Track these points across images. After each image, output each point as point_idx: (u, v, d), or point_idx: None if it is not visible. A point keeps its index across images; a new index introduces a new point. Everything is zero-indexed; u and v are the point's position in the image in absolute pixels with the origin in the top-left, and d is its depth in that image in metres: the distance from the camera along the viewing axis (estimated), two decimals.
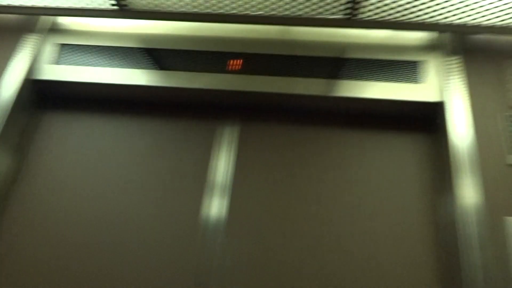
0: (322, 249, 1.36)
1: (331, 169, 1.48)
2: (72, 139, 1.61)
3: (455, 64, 1.45)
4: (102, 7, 1.52)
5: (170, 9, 1.50)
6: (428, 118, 1.51)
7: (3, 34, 1.66)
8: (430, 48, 1.51)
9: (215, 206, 1.44)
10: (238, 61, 1.54)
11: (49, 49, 1.63)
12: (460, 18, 1.39)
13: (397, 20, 1.44)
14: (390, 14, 1.41)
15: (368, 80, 1.47)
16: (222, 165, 1.51)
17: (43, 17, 1.67)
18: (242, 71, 1.51)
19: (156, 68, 1.55)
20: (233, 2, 1.43)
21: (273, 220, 1.41)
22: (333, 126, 1.57)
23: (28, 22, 1.68)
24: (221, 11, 1.47)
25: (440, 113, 1.45)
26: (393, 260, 1.33)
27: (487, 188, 1.26)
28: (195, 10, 1.48)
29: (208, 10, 1.48)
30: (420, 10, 1.38)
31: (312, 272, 1.33)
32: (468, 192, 1.25)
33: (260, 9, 1.45)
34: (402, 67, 1.48)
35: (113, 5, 1.50)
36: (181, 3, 1.46)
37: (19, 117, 1.54)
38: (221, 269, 1.35)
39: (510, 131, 1.34)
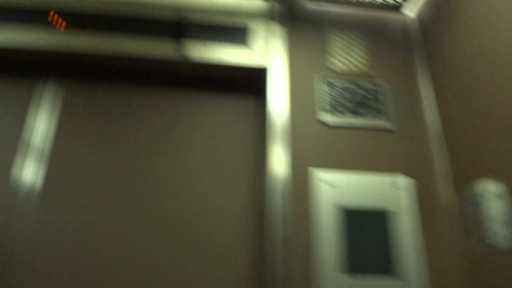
0: (147, 216, 1.35)
1: (159, 133, 1.47)
2: None
3: (280, 31, 1.51)
4: None
5: None
6: (254, 83, 1.57)
7: None
8: (258, 14, 1.55)
9: (29, 170, 1.35)
10: (62, 18, 1.42)
11: None
12: None
13: None
14: None
15: (201, 42, 1.46)
16: (41, 127, 1.41)
17: None
18: (67, 29, 1.40)
19: None
20: None
21: (97, 190, 1.36)
22: (163, 88, 1.54)
23: None
24: None
25: (263, 78, 1.51)
26: (216, 224, 1.37)
27: (296, 144, 1.36)
28: None
29: None
30: None
31: (134, 241, 1.32)
32: (280, 150, 1.33)
33: None
34: (233, 32, 1.50)
35: None
36: None
37: None
38: (31, 239, 1.28)
39: (323, 91, 1.46)
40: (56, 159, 1.39)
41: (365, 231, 1.23)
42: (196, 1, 1.53)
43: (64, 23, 1.42)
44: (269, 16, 1.55)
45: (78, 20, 1.44)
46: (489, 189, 1.12)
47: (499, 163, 1.10)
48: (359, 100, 1.45)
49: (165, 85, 1.55)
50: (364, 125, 1.42)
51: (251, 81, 1.57)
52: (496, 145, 1.11)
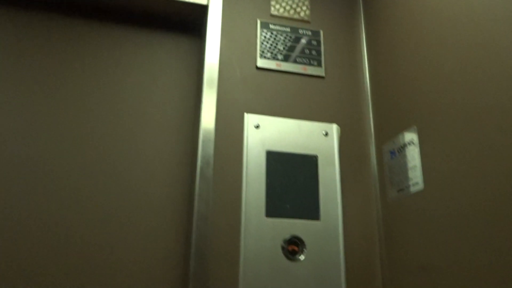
0: (69, 160, 1.29)
1: (90, 70, 1.38)
2: None
3: None
4: None
5: None
6: (193, 21, 1.51)
7: None
8: None
9: None
10: None
11: None
12: None
13: None
14: None
15: None
16: None
17: None
18: None
19: None
20: None
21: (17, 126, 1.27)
22: (97, 21, 1.43)
23: None
24: None
25: (203, 17, 1.45)
26: (146, 168, 1.34)
27: (229, 89, 1.34)
28: None
29: None
30: None
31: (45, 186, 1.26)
32: (213, 95, 1.30)
33: None
34: None
35: None
36: None
37: None
38: None
39: (261, 35, 1.43)
40: None
41: (291, 175, 1.26)
42: None
43: None
44: None
45: None
46: (409, 140, 1.18)
47: (420, 116, 1.15)
48: (295, 46, 1.44)
49: (100, 18, 1.44)
50: (298, 71, 1.42)
51: (191, 19, 1.50)
52: (418, 100, 1.16)
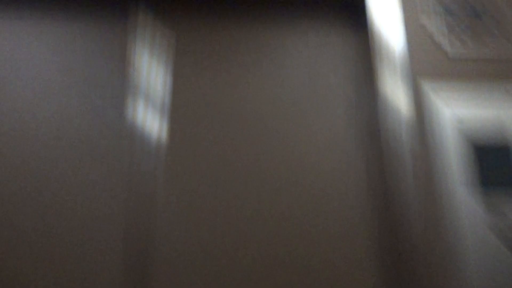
0: (268, 166, 1.29)
1: (253, 66, 1.37)
2: None
3: None
4: None
5: None
6: (353, 8, 1.42)
7: None
8: None
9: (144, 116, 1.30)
10: None
11: None
12: None
13: None
14: None
15: None
16: (147, 66, 1.35)
17: None
18: None
19: None
20: None
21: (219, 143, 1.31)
22: (254, 16, 1.42)
23: None
24: None
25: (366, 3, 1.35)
26: (321, 167, 1.29)
27: (412, 69, 1.23)
28: None
29: None
30: None
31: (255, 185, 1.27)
32: (394, 74, 1.21)
33: None
34: None
35: None
36: None
37: None
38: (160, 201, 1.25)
39: (444, 25, 1.29)
40: (170, 103, 1.32)
41: (492, 164, 1.12)
42: None
43: None
44: None
45: None
46: None
47: None
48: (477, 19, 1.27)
49: (261, 10, 1.43)
50: (489, 52, 1.25)
51: (349, 6, 1.42)
52: None
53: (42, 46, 1.36)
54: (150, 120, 1.29)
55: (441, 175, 1.12)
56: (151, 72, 1.34)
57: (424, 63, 1.24)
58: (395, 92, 1.21)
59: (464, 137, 1.15)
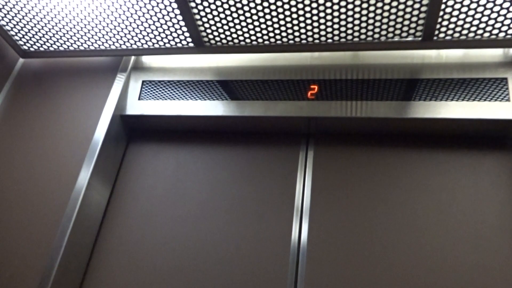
0: (408, 277, 1.33)
1: (409, 192, 1.46)
2: (156, 169, 1.71)
3: None
4: (180, 45, 1.63)
5: (243, 42, 1.57)
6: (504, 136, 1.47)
7: (91, 75, 1.82)
8: (511, 64, 1.47)
9: (303, 231, 1.47)
10: (312, 87, 1.57)
11: (133, 86, 1.76)
12: None
13: (474, 39, 1.41)
14: (466, 34, 1.39)
15: (447, 100, 1.44)
16: (300, 190, 1.54)
17: (125, 57, 1.81)
18: (316, 97, 1.55)
19: (232, 99, 1.62)
20: (305, 33, 1.48)
21: (355, 247, 1.41)
22: (409, 148, 1.55)
23: (113, 63, 1.83)
24: (293, 41, 1.52)
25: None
26: None
27: None
28: (268, 42, 1.55)
29: (280, 42, 1.54)
30: (500, 26, 1.35)
31: None
32: None
33: (332, 37, 1.48)
34: (484, 85, 1.44)
35: (190, 42, 1.61)
36: (254, 37, 1.53)
37: (109, 150, 1.66)
38: None
39: None
40: (317, 218, 1.48)
41: None
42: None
43: (315, 88, 1.57)
44: None
45: (326, 88, 1.56)
46: None
47: None
48: None
49: (411, 144, 1.56)
50: None
51: (509, 136, 1.47)
52: None
53: (229, 175, 1.66)
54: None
55: None
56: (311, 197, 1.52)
57: None
58: None
59: None
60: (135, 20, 1.55)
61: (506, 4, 1.28)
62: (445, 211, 1.41)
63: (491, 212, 1.38)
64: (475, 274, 1.29)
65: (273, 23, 1.46)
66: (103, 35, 1.65)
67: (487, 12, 1.31)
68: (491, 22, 1.34)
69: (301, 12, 1.40)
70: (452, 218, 1.39)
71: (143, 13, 1.51)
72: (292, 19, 1.43)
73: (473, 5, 1.29)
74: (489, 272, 1.29)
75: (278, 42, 1.54)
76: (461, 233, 1.36)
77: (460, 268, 1.31)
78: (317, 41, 1.51)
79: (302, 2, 1.36)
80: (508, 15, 1.31)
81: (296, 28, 1.47)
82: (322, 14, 1.39)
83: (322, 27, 1.44)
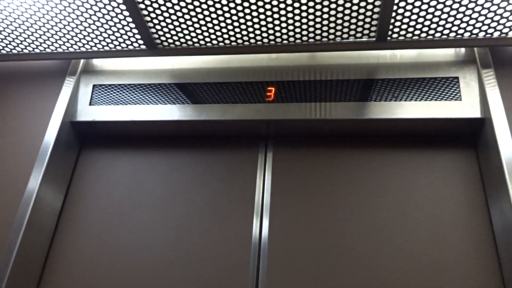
0: (367, 274, 1.34)
1: (367, 191, 1.47)
2: (111, 176, 1.64)
3: (489, 78, 1.43)
4: (131, 47, 1.57)
5: (197, 44, 1.52)
6: (468, 135, 1.50)
7: (38, 79, 1.72)
8: (462, 63, 1.49)
9: (263, 230, 1.45)
10: (270, 90, 1.55)
11: (83, 91, 1.68)
12: (488, 32, 1.38)
13: (427, 39, 1.43)
14: (419, 34, 1.41)
15: (402, 100, 1.45)
16: (260, 192, 1.52)
17: (74, 60, 1.72)
18: (274, 99, 1.52)
19: (188, 103, 1.57)
20: (260, 34, 1.45)
21: (313, 244, 1.40)
22: (367, 148, 1.56)
23: (61, 66, 1.73)
24: (248, 43, 1.49)
25: (482, 128, 1.42)
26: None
27: None
28: (223, 43, 1.51)
29: (235, 43, 1.50)
30: (450, 26, 1.37)
31: None
32: None
33: (287, 38, 1.46)
34: (436, 84, 1.46)
35: (142, 44, 1.54)
36: (208, 39, 1.49)
37: (60, 157, 1.58)
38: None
39: None
40: (277, 217, 1.47)
41: None
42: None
43: (272, 90, 1.54)
44: (474, 63, 1.48)
45: (284, 90, 1.54)
46: None
47: None
48: None
49: (369, 144, 1.57)
50: None
51: (464, 134, 1.50)
52: None
53: (186, 176, 1.61)
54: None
55: None
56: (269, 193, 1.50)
57: None
58: None
59: None
60: (81, 22, 1.47)
61: (456, 5, 1.29)
62: (402, 208, 1.42)
63: (446, 209, 1.40)
64: (432, 270, 1.32)
65: (227, 24, 1.42)
66: (48, 37, 1.56)
67: (437, 13, 1.32)
68: (442, 22, 1.35)
69: (255, 14, 1.37)
70: (409, 215, 1.41)
71: (90, 15, 1.44)
72: (246, 20, 1.40)
73: (424, 6, 1.30)
74: (445, 267, 1.32)
75: (233, 43, 1.51)
76: (418, 230, 1.38)
77: (418, 264, 1.33)
78: (272, 42, 1.48)
79: (256, 4, 1.33)
80: (458, 16, 1.33)
81: (251, 29, 1.43)
82: (276, 16, 1.37)
83: (277, 28, 1.42)
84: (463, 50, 1.52)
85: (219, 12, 1.37)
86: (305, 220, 1.45)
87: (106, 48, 1.58)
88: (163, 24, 1.44)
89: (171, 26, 1.45)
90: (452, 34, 1.40)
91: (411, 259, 1.34)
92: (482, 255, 1.32)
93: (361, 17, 1.35)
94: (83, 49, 1.60)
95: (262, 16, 1.37)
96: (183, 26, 1.44)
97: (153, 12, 1.40)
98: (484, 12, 1.30)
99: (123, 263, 1.47)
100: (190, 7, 1.37)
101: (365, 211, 1.44)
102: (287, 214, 1.48)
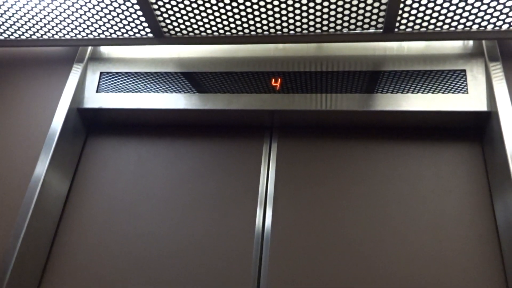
0: (370, 264, 1.35)
1: (372, 182, 1.47)
2: (116, 163, 1.66)
3: (497, 71, 1.42)
4: (138, 35, 1.57)
5: (204, 33, 1.52)
6: (473, 128, 1.49)
7: (46, 66, 1.73)
8: (470, 56, 1.48)
9: (267, 220, 1.46)
10: (276, 80, 1.55)
11: (90, 78, 1.69)
12: (496, 25, 1.37)
13: (435, 31, 1.42)
14: (426, 26, 1.40)
15: (408, 92, 1.45)
16: (264, 182, 1.53)
17: (82, 47, 1.73)
18: (280, 90, 1.53)
19: (194, 92, 1.58)
20: (267, 24, 1.45)
21: (316, 235, 1.41)
22: (372, 140, 1.56)
23: (68, 53, 1.74)
24: (255, 33, 1.49)
25: (488, 122, 1.41)
26: (457, 280, 1.30)
27: None
28: (230, 33, 1.51)
29: (242, 33, 1.50)
30: (458, 19, 1.36)
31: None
32: None
33: (294, 28, 1.46)
34: (443, 77, 1.46)
35: (149, 33, 1.55)
36: (215, 28, 1.49)
37: (66, 143, 1.60)
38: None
39: None
40: (281, 207, 1.48)
41: None
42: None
43: (278, 81, 1.55)
44: (481, 56, 1.47)
45: (289, 80, 1.54)
46: None
47: None
48: None
49: (374, 136, 1.56)
50: None
51: (470, 127, 1.49)
52: None
53: (190, 165, 1.62)
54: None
55: None
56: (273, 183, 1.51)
57: None
58: None
59: None
60: (89, 9, 1.48)
61: None
62: (406, 201, 1.43)
63: (450, 202, 1.40)
64: (435, 262, 1.32)
65: (235, 13, 1.42)
66: (56, 23, 1.57)
67: (446, 4, 1.31)
68: (450, 14, 1.34)
69: (262, 3, 1.36)
70: (412, 207, 1.41)
71: (98, 2, 1.44)
72: (254, 10, 1.39)
73: None
74: (448, 260, 1.32)
75: (240, 33, 1.51)
76: (421, 222, 1.39)
77: (420, 256, 1.34)
78: (279, 32, 1.48)
79: None
80: (467, 8, 1.32)
81: (258, 19, 1.43)
82: (283, 6, 1.36)
83: (284, 18, 1.41)
84: (471, 42, 1.51)
85: (227, 1, 1.37)
86: (309, 211, 1.46)
87: (114, 35, 1.59)
88: (170, 12, 1.45)
89: (178, 15, 1.45)
90: (460, 27, 1.39)
91: (414, 251, 1.35)
92: (485, 249, 1.32)
93: (368, 8, 1.35)
94: (90, 36, 1.61)
95: (269, 6, 1.37)
96: (190, 15, 1.45)
97: (161, 0, 1.40)
98: (493, 4, 1.29)
99: (127, 249, 1.49)
100: None
101: (369, 203, 1.44)
102: (291, 205, 1.48)
